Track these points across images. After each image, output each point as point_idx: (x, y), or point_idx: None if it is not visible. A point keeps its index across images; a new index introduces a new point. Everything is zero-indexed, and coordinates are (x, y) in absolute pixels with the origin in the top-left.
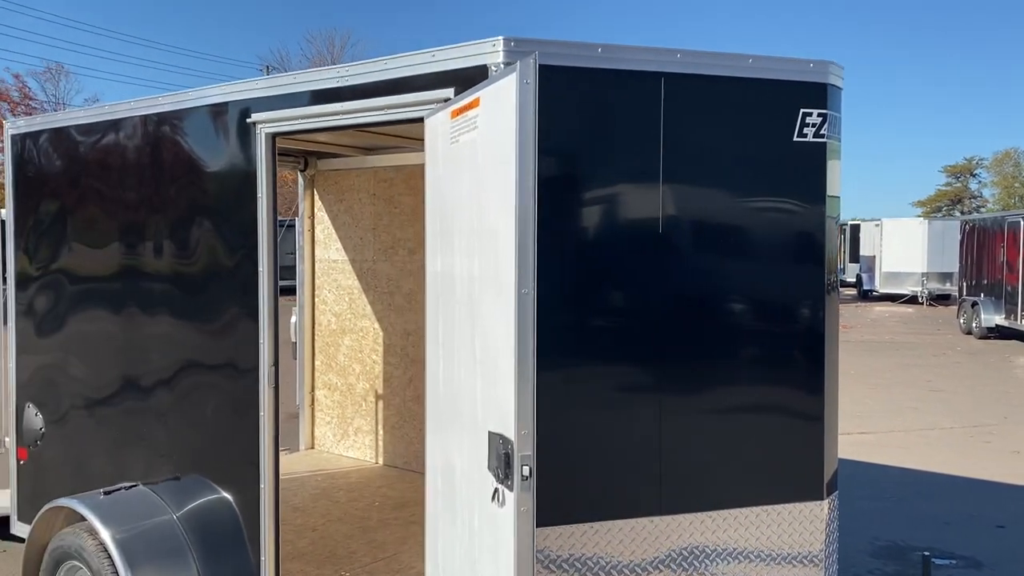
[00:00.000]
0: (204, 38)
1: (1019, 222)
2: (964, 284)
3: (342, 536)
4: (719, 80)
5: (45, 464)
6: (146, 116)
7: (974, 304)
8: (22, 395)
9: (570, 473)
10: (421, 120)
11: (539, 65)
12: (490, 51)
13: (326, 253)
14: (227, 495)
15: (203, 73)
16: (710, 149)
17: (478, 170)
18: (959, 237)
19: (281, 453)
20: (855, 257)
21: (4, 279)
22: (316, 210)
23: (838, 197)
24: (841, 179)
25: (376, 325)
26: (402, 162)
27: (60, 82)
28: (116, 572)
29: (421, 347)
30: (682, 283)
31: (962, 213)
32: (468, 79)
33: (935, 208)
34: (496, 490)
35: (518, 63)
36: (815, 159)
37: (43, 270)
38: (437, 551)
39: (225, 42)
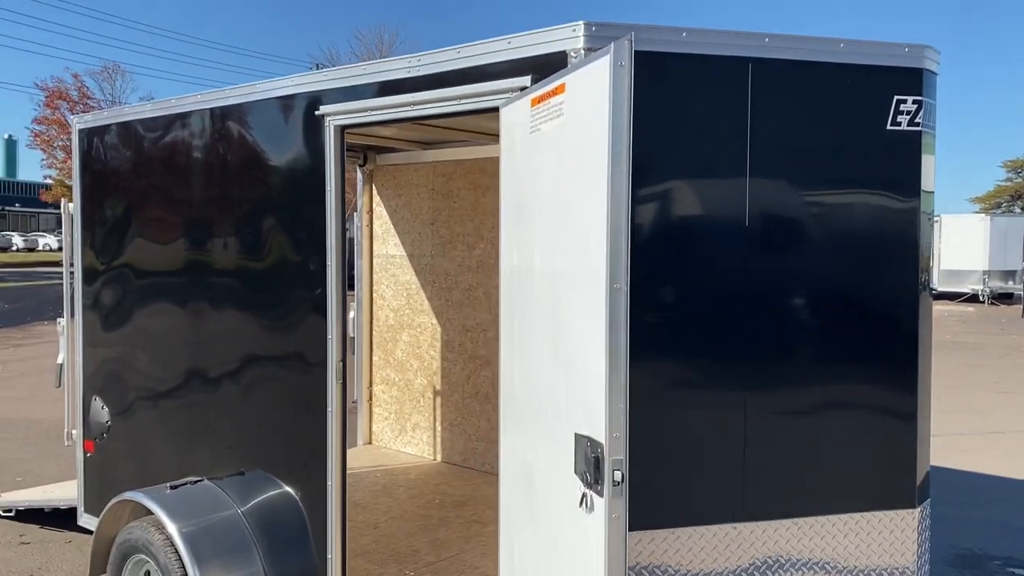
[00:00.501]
0: (254, 36)
1: None
2: None
3: (404, 534)
4: (808, 65)
5: (111, 457)
6: (213, 109)
7: None
8: (88, 388)
9: (648, 476)
10: (496, 110)
11: None
12: (570, 36)
13: (384, 248)
14: (291, 490)
15: (253, 71)
16: (798, 138)
17: (562, 159)
18: None
19: None
20: None
21: (72, 272)
22: (374, 205)
23: (933, 192)
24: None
25: (434, 321)
26: (462, 156)
27: (116, 81)
28: (183, 567)
29: (480, 343)
30: (769, 278)
31: (1023, 210)
32: (546, 66)
33: (994, 204)
34: (584, 495)
35: (612, 45)
36: (909, 149)
37: (109, 263)
38: (513, 554)
39: (274, 40)
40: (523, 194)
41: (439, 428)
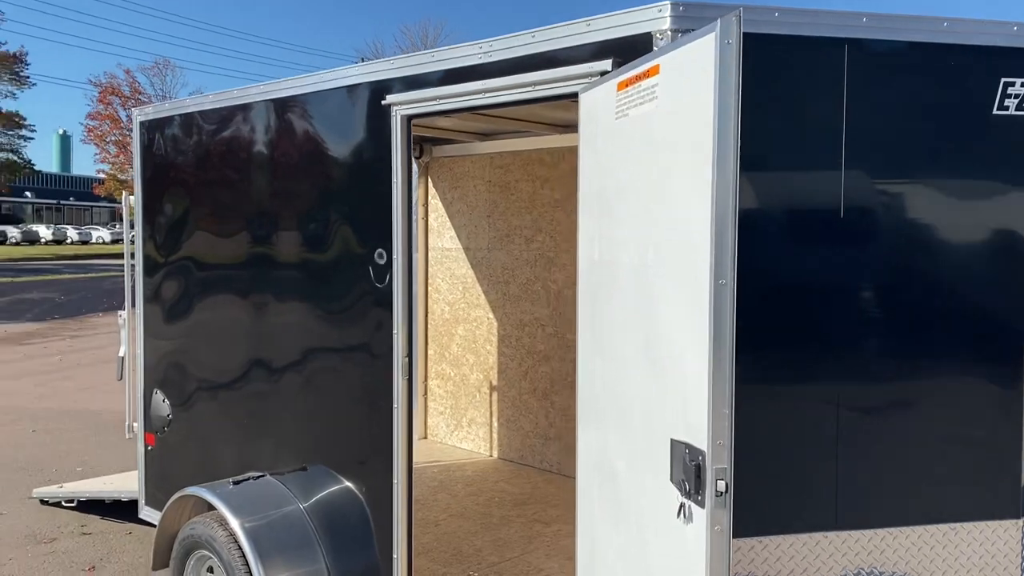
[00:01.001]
0: (301, 32)
1: None
2: None
3: (465, 533)
4: (908, 46)
5: (171, 450)
6: (275, 100)
7: None
8: (150, 381)
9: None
10: (574, 96)
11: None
12: (656, 17)
13: (439, 241)
14: (354, 487)
15: (299, 65)
16: (898, 123)
17: (655, 146)
18: None
19: None
20: None
21: (132, 265)
22: (430, 197)
23: None
24: None
25: (490, 315)
26: (519, 147)
27: (166, 76)
28: (247, 562)
29: (538, 338)
30: (867, 274)
31: None
32: (629, 48)
33: None
34: (682, 505)
35: (718, 22)
36: (1018, 135)
37: (170, 256)
38: (594, 560)
39: (321, 36)
40: (606, 184)
41: (495, 424)
